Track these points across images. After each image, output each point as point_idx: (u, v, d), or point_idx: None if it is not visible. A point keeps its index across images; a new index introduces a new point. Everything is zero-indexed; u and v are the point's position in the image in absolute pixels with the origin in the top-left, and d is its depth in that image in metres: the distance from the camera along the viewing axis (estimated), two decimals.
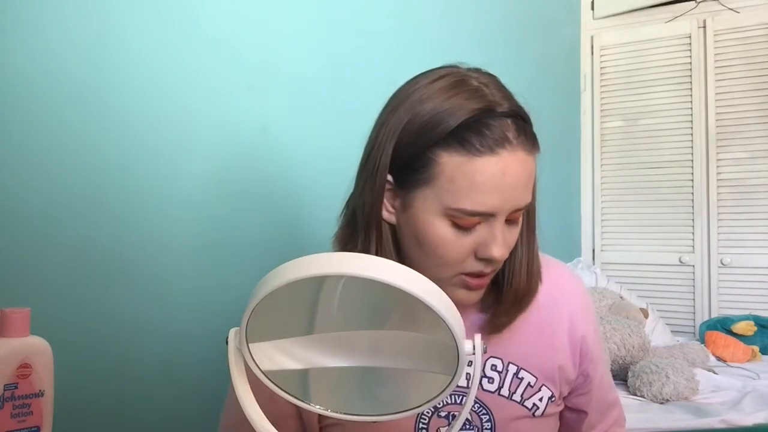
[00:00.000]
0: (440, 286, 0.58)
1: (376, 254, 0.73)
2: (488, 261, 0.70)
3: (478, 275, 0.72)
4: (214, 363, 0.85)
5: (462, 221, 0.69)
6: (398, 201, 0.73)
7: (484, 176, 0.67)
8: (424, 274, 0.59)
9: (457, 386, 0.57)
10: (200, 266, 1.16)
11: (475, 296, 0.74)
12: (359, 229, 0.74)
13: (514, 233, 0.72)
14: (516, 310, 0.77)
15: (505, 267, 0.76)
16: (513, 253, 0.76)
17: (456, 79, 0.71)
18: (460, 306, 0.61)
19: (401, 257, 0.74)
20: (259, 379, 0.56)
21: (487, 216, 0.69)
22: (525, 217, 0.76)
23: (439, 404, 0.77)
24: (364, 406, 0.60)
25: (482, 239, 0.69)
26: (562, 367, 0.80)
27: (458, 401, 0.78)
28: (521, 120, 0.70)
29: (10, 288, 0.88)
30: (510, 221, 0.71)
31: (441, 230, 0.69)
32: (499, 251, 0.69)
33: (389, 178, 0.72)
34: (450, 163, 0.67)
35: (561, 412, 0.86)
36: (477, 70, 0.73)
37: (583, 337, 0.82)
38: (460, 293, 0.73)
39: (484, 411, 0.78)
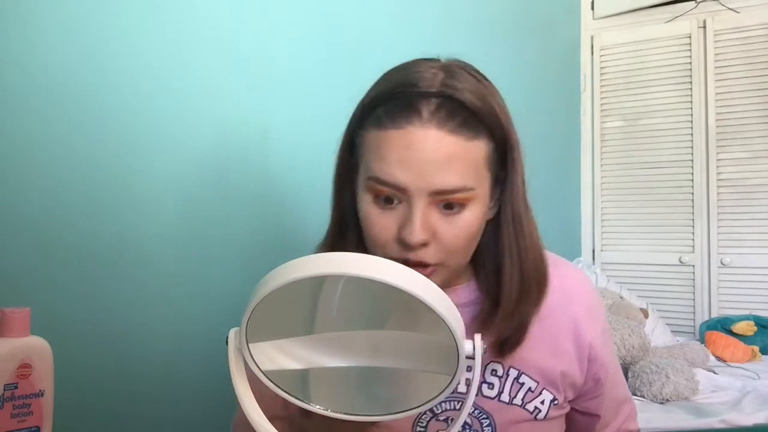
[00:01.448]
0: None
1: (339, 248, 0.73)
2: (407, 246, 0.66)
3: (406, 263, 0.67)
4: (214, 363, 0.85)
5: (378, 190, 0.67)
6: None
7: (389, 148, 0.66)
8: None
9: (456, 392, 0.57)
10: (200, 266, 1.16)
11: None
12: (331, 224, 0.77)
13: (454, 224, 0.68)
14: (515, 322, 0.72)
15: (499, 282, 0.73)
16: (502, 264, 0.72)
17: (403, 64, 0.72)
18: None
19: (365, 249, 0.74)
20: (262, 381, 0.57)
21: (401, 191, 0.66)
22: (509, 221, 0.72)
23: (437, 409, 0.76)
24: (364, 406, 0.60)
25: (403, 222, 0.67)
26: (566, 372, 0.78)
27: (457, 407, 0.76)
28: (453, 102, 0.67)
29: (10, 288, 0.88)
30: (448, 207, 0.67)
31: (366, 206, 0.69)
32: (412, 235, 0.65)
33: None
34: (367, 138, 0.69)
35: (573, 416, 0.84)
36: (448, 60, 0.72)
37: (590, 343, 0.79)
38: None
39: (484, 416, 0.77)
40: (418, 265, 0.67)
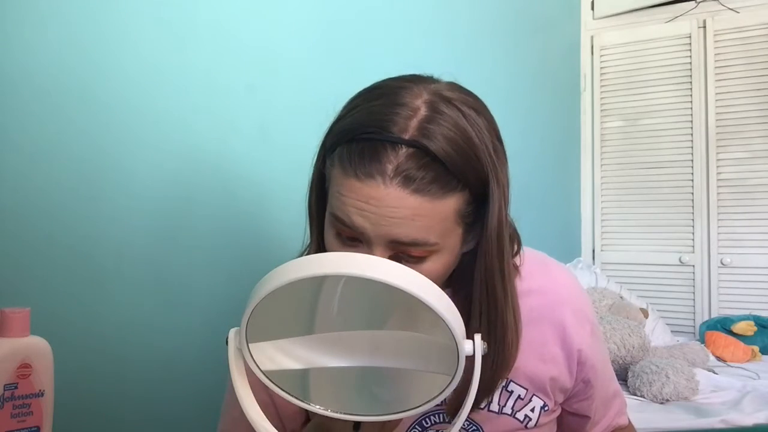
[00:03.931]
0: None
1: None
2: None
3: None
4: (214, 363, 0.85)
5: (340, 229, 0.65)
6: None
7: (349, 194, 0.62)
8: None
9: (445, 402, 0.56)
10: (200, 266, 1.16)
11: None
12: (311, 237, 0.74)
13: (418, 269, 0.59)
14: (484, 391, 0.68)
15: (468, 294, 0.68)
16: (473, 304, 0.67)
17: (387, 88, 0.66)
18: None
19: None
20: (262, 381, 0.57)
21: (359, 234, 0.63)
22: (481, 272, 0.67)
23: (426, 422, 0.76)
24: (364, 406, 0.60)
25: None
26: (555, 378, 0.77)
27: (447, 420, 0.75)
28: (424, 155, 0.61)
29: (10, 288, 0.88)
30: (410, 257, 0.63)
31: (330, 238, 0.67)
32: None
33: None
34: (333, 172, 0.65)
35: (563, 416, 0.84)
36: (438, 87, 0.66)
37: (579, 347, 0.77)
38: None
39: (474, 427, 0.76)
40: None
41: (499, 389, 0.75)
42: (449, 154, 0.61)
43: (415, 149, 0.61)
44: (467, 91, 0.68)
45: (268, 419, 0.57)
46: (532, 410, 0.76)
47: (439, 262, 0.65)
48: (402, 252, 0.64)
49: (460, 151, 0.62)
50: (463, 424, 0.73)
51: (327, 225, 0.68)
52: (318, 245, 0.72)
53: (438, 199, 0.62)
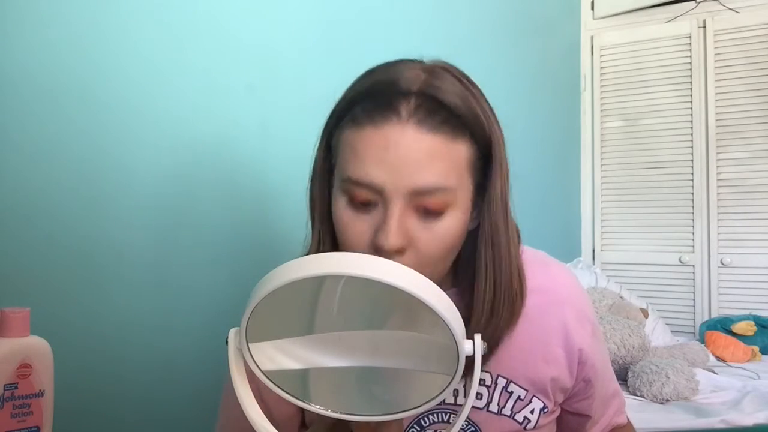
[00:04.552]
0: None
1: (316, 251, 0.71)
2: (381, 252, 0.62)
3: None
4: (214, 363, 0.85)
5: (354, 194, 0.64)
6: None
7: (365, 146, 0.63)
8: None
9: (445, 403, 0.56)
10: (200, 266, 1.16)
11: None
12: (314, 231, 0.73)
13: (432, 231, 0.64)
14: (488, 334, 0.68)
15: (473, 289, 0.69)
16: (477, 271, 0.68)
17: (384, 63, 0.70)
18: None
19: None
20: (259, 383, 0.57)
21: (376, 193, 0.63)
22: (486, 234, 0.68)
23: (425, 422, 0.76)
24: (364, 406, 0.60)
25: (378, 226, 0.63)
26: (556, 378, 0.76)
27: (446, 419, 0.75)
28: (433, 102, 0.64)
29: (10, 288, 0.88)
30: (427, 212, 0.64)
31: (341, 209, 0.66)
32: (387, 238, 0.61)
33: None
34: (343, 138, 0.66)
35: (563, 416, 0.83)
36: (432, 61, 0.70)
37: (580, 347, 0.76)
38: None
39: (472, 428, 0.75)
40: None
41: (500, 390, 0.75)
42: (455, 104, 0.65)
43: (423, 97, 0.64)
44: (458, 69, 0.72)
45: None
46: (532, 412, 0.76)
47: (455, 220, 0.65)
48: (420, 205, 0.64)
49: (464, 103, 0.65)
50: (462, 425, 0.73)
51: (337, 196, 0.67)
52: (320, 238, 0.72)
53: (451, 142, 0.64)
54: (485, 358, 0.66)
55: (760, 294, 2.61)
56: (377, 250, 0.63)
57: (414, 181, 0.62)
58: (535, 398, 0.76)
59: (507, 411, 0.75)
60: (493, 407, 0.75)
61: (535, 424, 0.76)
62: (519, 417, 0.75)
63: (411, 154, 0.62)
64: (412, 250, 0.64)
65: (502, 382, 0.75)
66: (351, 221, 0.65)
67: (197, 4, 1.16)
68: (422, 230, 0.64)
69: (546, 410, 0.77)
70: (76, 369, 0.92)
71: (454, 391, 0.70)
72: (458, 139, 0.65)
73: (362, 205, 0.65)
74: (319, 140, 0.72)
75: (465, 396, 0.57)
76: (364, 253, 0.63)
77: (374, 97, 0.65)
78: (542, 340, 0.75)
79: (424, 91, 0.64)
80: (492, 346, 0.69)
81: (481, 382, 0.74)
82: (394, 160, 0.62)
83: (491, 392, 0.75)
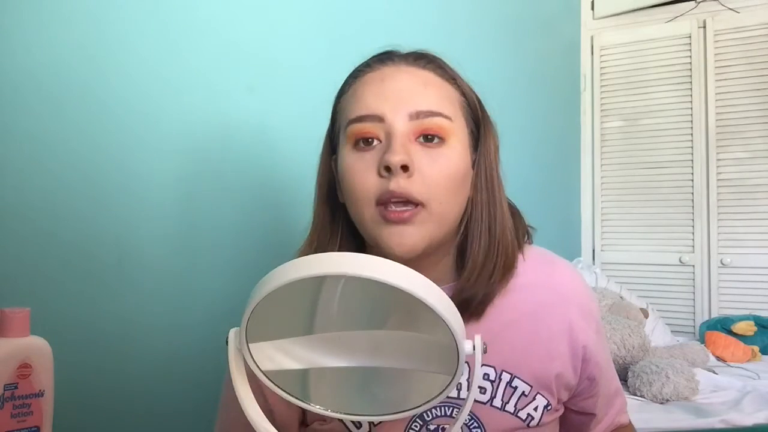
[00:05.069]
0: (370, 234, 0.70)
1: (319, 230, 0.77)
2: (389, 173, 0.66)
3: (389, 202, 0.67)
4: (214, 363, 0.85)
5: (357, 133, 0.69)
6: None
7: (363, 86, 0.71)
8: (360, 229, 0.72)
9: (448, 397, 0.56)
10: (200, 266, 1.16)
11: (408, 235, 0.67)
12: (313, 218, 0.78)
13: (434, 158, 0.68)
14: (482, 282, 0.72)
15: (467, 234, 0.74)
16: (471, 215, 0.74)
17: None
18: (401, 258, 0.64)
19: (344, 232, 0.76)
20: (260, 380, 0.57)
21: (378, 122, 0.68)
22: (481, 180, 0.74)
23: (428, 416, 0.75)
24: (364, 406, 0.60)
25: (383, 152, 0.67)
26: (561, 374, 0.76)
27: (448, 413, 0.75)
28: (421, 55, 0.73)
29: (10, 288, 0.88)
30: (426, 139, 0.68)
31: (347, 157, 0.70)
32: (393, 155, 0.65)
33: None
34: (345, 98, 0.74)
35: (568, 415, 0.83)
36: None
37: (584, 345, 0.77)
38: (386, 232, 0.67)
39: (475, 424, 0.75)
40: (403, 201, 0.66)
41: (504, 385, 0.75)
42: (445, 63, 0.74)
43: (413, 53, 0.74)
44: None
45: None
46: (535, 409, 0.76)
47: (454, 152, 0.70)
48: (422, 130, 0.68)
49: (447, 65, 0.74)
50: (466, 420, 0.73)
51: (342, 149, 0.71)
52: (316, 220, 0.77)
53: (443, 80, 0.72)
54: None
55: (760, 294, 2.61)
56: (385, 170, 0.66)
57: (412, 105, 0.68)
58: (539, 395, 0.76)
59: (510, 407, 0.75)
60: (497, 402, 0.75)
61: (539, 421, 0.76)
62: (522, 414, 0.75)
63: (407, 84, 0.70)
64: (418, 174, 0.67)
65: (506, 377, 0.74)
66: (357, 161, 0.69)
67: (198, 6, 1.16)
68: (425, 157, 0.68)
69: (549, 407, 0.76)
70: (76, 369, 0.92)
71: (458, 385, 0.70)
72: (447, 82, 0.73)
73: (366, 143, 0.69)
74: (325, 137, 0.79)
75: (468, 390, 0.56)
76: (373, 185, 0.67)
77: (371, 58, 0.75)
78: (547, 336, 0.76)
79: (413, 52, 0.74)
80: (486, 299, 0.73)
81: (485, 376, 0.74)
82: (391, 90, 0.69)
83: (495, 387, 0.74)
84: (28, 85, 0.91)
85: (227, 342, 0.56)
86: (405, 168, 0.66)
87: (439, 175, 0.68)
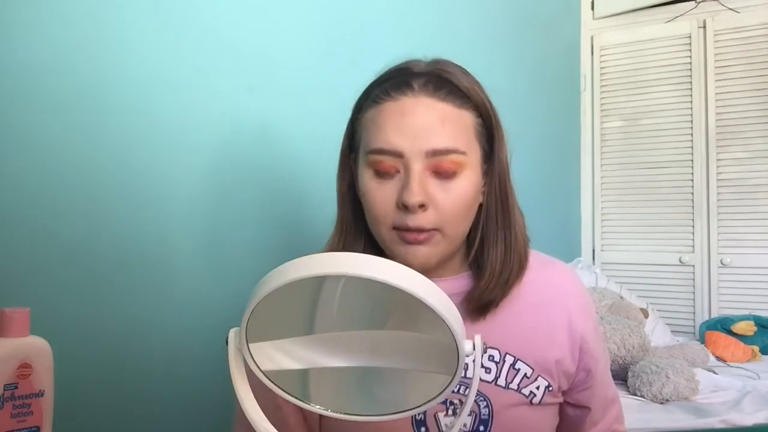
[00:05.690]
0: (387, 248, 0.76)
1: (345, 231, 0.82)
2: (406, 209, 0.72)
3: (407, 229, 0.73)
4: (215, 363, 0.85)
5: (378, 164, 0.74)
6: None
7: (385, 118, 0.74)
8: (377, 240, 0.77)
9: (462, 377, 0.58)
10: (200, 265, 1.16)
11: (421, 254, 0.75)
12: (338, 216, 0.83)
13: (449, 191, 0.74)
14: (499, 287, 0.78)
15: (482, 248, 0.80)
16: (486, 233, 0.79)
17: (398, 63, 0.80)
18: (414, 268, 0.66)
19: (368, 233, 0.80)
20: (262, 381, 0.57)
21: (398, 157, 0.73)
22: (495, 191, 0.79)
23: None
24: (364, 406, 0.60)
25: (401, 188, 0.73)
26: (560, 360, 0.82)
27: (457, 389, 0.78)
28: (441, 79, 0.75)
29: (10, 288, 0.88)
30: (440, 174, 0.73)
31: (367, 181, 0.75)
32: (411, 196, 0.71)
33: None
34: (365, 118, 0.77)
35: (565, 410, 0.87)
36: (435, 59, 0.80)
37: (582, 335, 0.83)
38: (402, 250, 0.75)
39: (482, 398, 0.79)
40: (417, 231, 0.73)
41: (507, 366, 0.80)
42: (460, 81, 0.76)
43: (432, 75, 0.76)
44: None
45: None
46: (537, 388, 0.81)
47: (468, 180, 0.75)
48: (437, 167, 0.73)
49: (465, 80, 0.76)
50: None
51: (362, 173, 0.76)
52: (342, 224, 0.82)
53: (458, 108, 0.75)
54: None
55: (760, 294, 2.61)
56: (402, 207, 0.72)
57: (430, 144, 0.72)
58: (540, 377, 0.81)
59: (514, 386, 0.80)
60: (501, 382, 0.80)
61: (540, 399, 0.81)
62: (525, 391, 0.80)
63: (426, 120, 0.73)
64: (432, 208, 0.73)
65: (509, 359, 0.80)
66: (377, 189, 0.74)
67: (198, 6, 1.16)
68: (440, 190, 0.73)
69: (551, 389, 0.81)
70: (77, 369, 0.92)
71: (465, 364, 0.72)
72: (463, 108, 0.75)
73: (386, 174, 0.74)
74: (344, 134, 0.82)
75: (468, 390, 0.57)
76: (389, 215, 0.74)
77: (389, 79, 0.77)
78: (548, 326, 0.82)
79: (431, 71, 0.76)
80: (505, 289, 0.79)
81: (490, 357, 0.80)
82: (411, 126, 0.73)
83: (500, 368, 0.80)
84: (28, 84, 0.91)
85: (227, 342, 0.56)
86: (422, 206, 0.72)
87: (453, 205, 0.74)
